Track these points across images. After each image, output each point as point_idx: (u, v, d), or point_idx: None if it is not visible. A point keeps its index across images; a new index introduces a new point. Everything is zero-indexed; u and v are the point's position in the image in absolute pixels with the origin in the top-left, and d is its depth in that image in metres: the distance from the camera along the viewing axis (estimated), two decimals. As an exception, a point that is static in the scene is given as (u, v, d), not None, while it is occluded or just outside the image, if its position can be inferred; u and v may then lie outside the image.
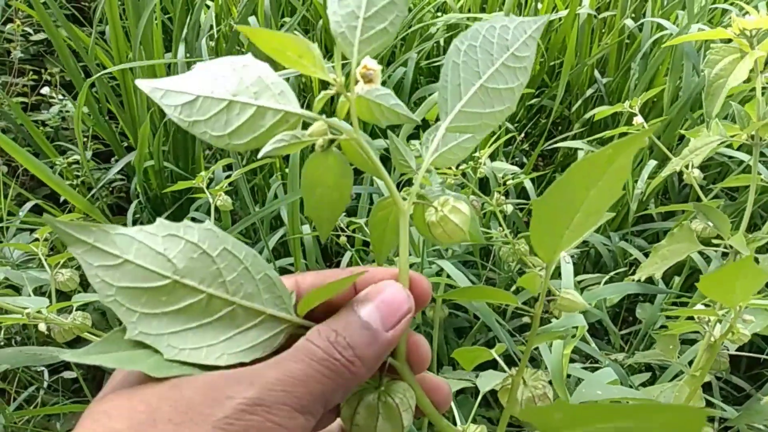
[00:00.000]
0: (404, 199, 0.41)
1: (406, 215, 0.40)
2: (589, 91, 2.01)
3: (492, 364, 0.70)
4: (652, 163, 1.56)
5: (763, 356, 1.33)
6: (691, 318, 0.74)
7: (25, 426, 1.27)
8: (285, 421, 0.31)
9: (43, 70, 2.36)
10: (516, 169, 1.32)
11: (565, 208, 0.37)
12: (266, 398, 0.31)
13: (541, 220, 0.38)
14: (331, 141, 0.39)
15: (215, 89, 0.36)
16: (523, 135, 2.00)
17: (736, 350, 1.20)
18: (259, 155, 0.37)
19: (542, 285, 0.45)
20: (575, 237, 0.39)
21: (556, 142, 1.89)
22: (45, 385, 1.43)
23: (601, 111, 1.28)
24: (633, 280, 0.98)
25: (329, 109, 1.62)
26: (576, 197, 0.36)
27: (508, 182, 1.32)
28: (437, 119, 0.42)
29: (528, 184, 1.62)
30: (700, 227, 0.90)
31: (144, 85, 0.36)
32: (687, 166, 1.06)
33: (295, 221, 1.32)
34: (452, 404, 0.76)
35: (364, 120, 0.39)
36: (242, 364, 0.34)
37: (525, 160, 1.95)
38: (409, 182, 1.37)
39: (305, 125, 0.38)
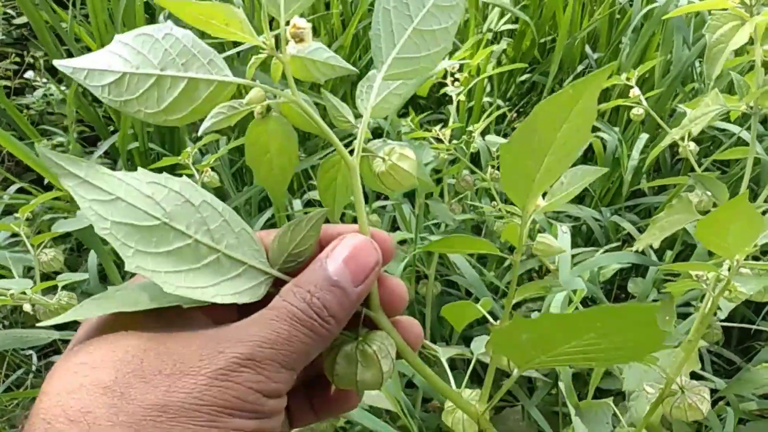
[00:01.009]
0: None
1: (356, 170, 0.40)
2: (580, 67, 2.00)
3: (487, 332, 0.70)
4: (645, 137, 1.56)
5: (755, 327, 1.34)
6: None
7: (14, 409, 1.26)
8: (273, 375, 0.33)
9: (25, 53, 2.33)
10: (508, 143, 1.31)
11: (533, 150, 0.37)
12: (257, 355, 0.33)
13: (511, 164, 0.39)
14: (269, 107, 0.39)
15: (140, 64, 0.35)
16: (515, 113, 1.99)
17: (728, 322, 1.20)
18: (200, 132, 0.37)
19: (520, 233, 0.45)
20: (547, 181, 0.39)
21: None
22: (34, 368, 1.42)
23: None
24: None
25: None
26: (543, 139, 0.36)
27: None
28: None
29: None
30: (696, 200, 0.90)
31: (63, 65, 0.34)
32: (683, 139, 1.06)
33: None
34: (448, 373, 0.76)
35: (302, 79, 0.39)
36: (235, 306, 0.36)
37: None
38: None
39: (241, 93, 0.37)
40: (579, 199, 1.79)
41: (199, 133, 0.37)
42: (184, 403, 0.31)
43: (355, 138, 0.41)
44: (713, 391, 1.11)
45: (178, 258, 0.35)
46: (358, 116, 0.43)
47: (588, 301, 1.51)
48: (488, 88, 1.84)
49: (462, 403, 0.46)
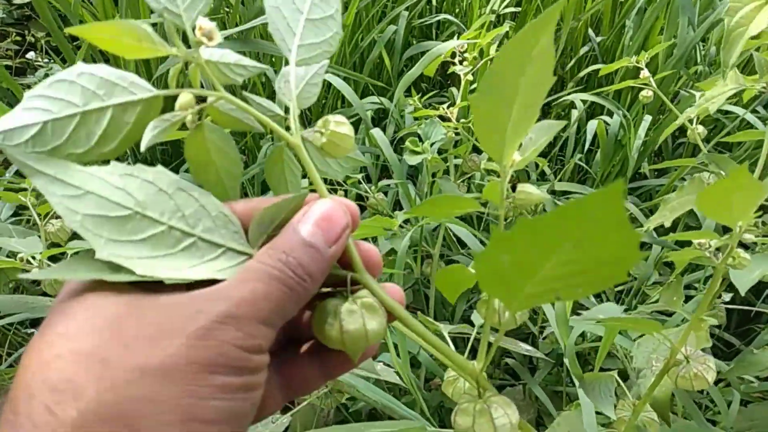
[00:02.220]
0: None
1: (302, 146, 0.42)
2: (582, 50, 1.99)
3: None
4: (648, 119, 1.56)
5: (755, 309, 1.34)
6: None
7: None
8: (253, 331, 0.34)
9: (26, 33, 2.32)
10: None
11: (501, 100, 0.38)
12: (236, 312, 0.33)
13: (482, 117, 0.40)
14: (200, 113, 0.40)
15: (60, 108, 0.34)
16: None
17: (728, 305, 1.21)
18: (142, 149, 0.36)
19: (501, 188, 0.46)
20: (520, 130, 0.40)
21: (553, 100, 1.88)
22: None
23: (605, 67, 1.27)
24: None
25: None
26: (509, 87, 0.37)
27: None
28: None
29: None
30: (712, 180, 0.90)
31: None
32: (690, 122, 1.06)
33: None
34: (451, 347, 0.77)
35: (220, 83, 0.39)
36: (214, 281, 0.36)
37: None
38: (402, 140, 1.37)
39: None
40: (581, 181, 1.80)
41: (142, 150, 0.36)
42: (168, 364, 0.31)
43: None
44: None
45: (154, 244, 0.36)
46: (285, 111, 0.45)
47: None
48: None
49: (459, 361, 0.46)
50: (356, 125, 1.73)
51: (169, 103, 0.38)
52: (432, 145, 1.07)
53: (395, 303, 0.42)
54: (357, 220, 0.42)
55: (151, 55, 0.36)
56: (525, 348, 1.06)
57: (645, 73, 1.13)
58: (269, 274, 0.35)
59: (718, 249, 0.68)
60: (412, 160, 1.04)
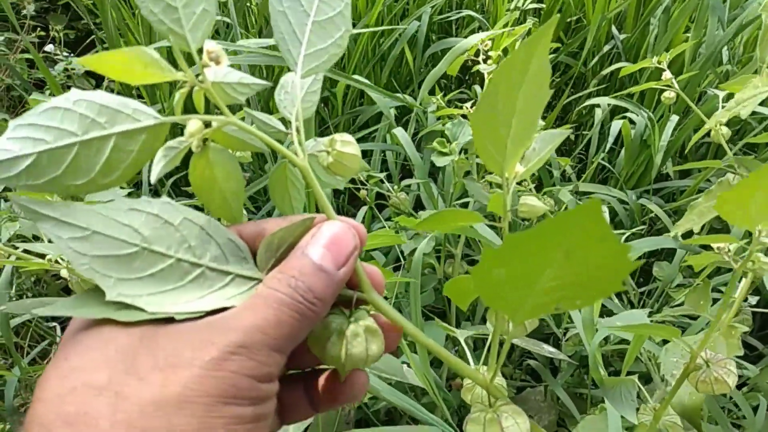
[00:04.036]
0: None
1: (308, 169, 0.41)
2: (606, 48, 1.97)
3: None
4: (674, 119, 1.54)
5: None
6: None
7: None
8: (264, 359, 0.34)
9: (49, 26, 2.33)
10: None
11: (500, 117, 0.38)
12: (248, 341, 0.34)
13: (482, 133, 0.40)
14: (205, 138, 0.39)
15: (55, 138, 0.33)
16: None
17: (753, 308, 1.19)
18: (152, 180, 0.36)
19: (503, 201, 0.47)
20: (520, 145, 0.40)
21: (575, 100, 1.86)
22: (57, 340, 1.42)
23: (627, 68, 1.26)
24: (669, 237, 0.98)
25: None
26: (506, 104, 0.38)
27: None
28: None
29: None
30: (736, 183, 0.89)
31: None
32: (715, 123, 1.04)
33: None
34: (467, 352, 0.76)
35: (224, 103, 0.39)
36: (224, 309, 0.36)
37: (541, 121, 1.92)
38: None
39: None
40: (603, 180, 1.78)
41: (152, 181, 0.36)
42: (180, 396, 0.32)
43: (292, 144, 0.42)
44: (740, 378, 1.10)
45: (162, 279, 0.36)
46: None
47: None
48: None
49: (469, 372, 0.46)
50: (377, 118, 1.73)
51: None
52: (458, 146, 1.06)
53: (405, 320, 0.42)
54: (364, 241, 0.42)
55: (158, 80, 0.35)
56: (548, 350, 1.05)
57: (667, 74, 1.12)
58: (279, 300, 0.36)
59: (742, 250, 0.68)
60: (440, 161, 1.03)
